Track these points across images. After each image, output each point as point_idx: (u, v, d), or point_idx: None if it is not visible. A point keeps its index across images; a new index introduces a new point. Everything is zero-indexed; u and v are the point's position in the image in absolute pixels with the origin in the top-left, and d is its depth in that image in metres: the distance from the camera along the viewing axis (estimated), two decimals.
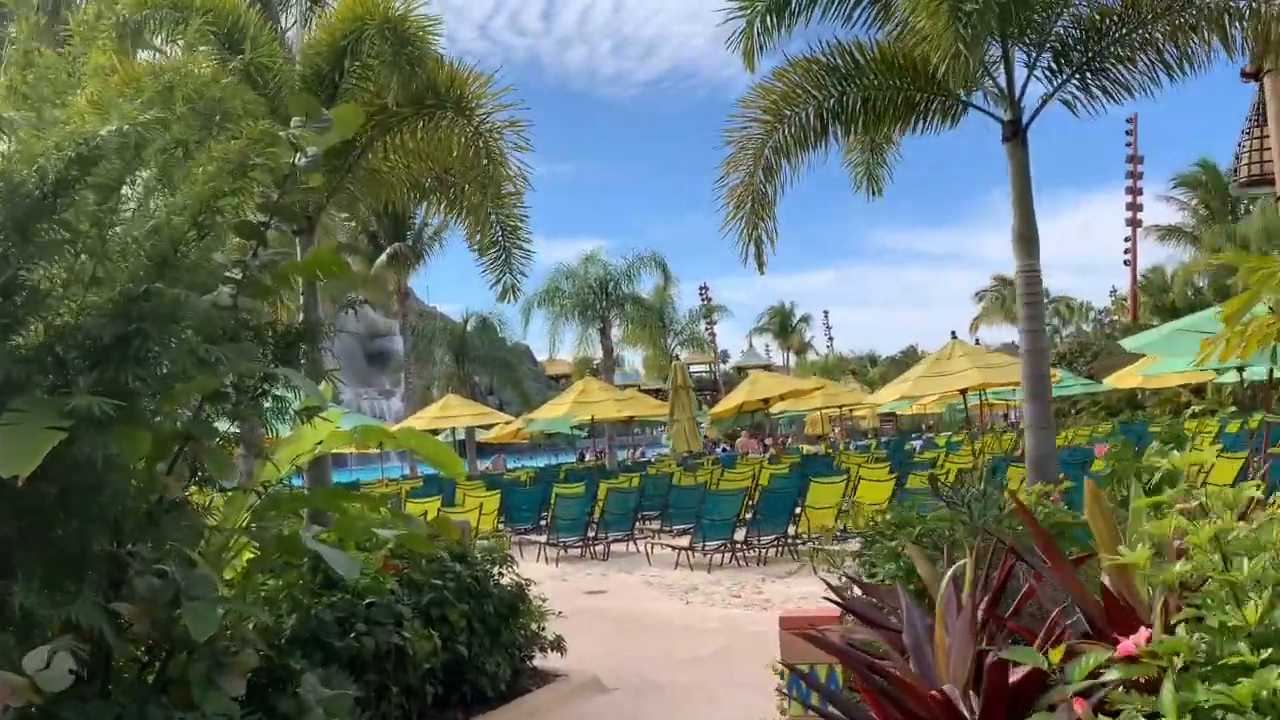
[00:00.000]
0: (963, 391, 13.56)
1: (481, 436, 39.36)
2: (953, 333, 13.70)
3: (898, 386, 13.32)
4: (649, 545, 14.12)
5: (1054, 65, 7.91)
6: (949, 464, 16.82)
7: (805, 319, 73.19)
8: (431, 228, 34.68)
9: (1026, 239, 8.26)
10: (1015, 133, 8.07)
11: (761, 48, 8.07)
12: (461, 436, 39.77)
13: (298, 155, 4.59)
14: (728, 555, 12.95)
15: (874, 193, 9.57)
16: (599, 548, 14.67)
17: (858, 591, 4.89)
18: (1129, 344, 12.15)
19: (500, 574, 6.69)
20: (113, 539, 4.36)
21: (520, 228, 7.32)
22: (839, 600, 3.43)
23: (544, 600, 7.24)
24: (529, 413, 20.71)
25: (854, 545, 11.34)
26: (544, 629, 7.05)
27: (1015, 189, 8.14)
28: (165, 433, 4.52)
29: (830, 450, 31.58)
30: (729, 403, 20.13)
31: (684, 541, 13.09)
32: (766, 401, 20.29)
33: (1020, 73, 7.95)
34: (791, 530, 13.26)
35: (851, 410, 33.78)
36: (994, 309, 57.13)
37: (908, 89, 7.76)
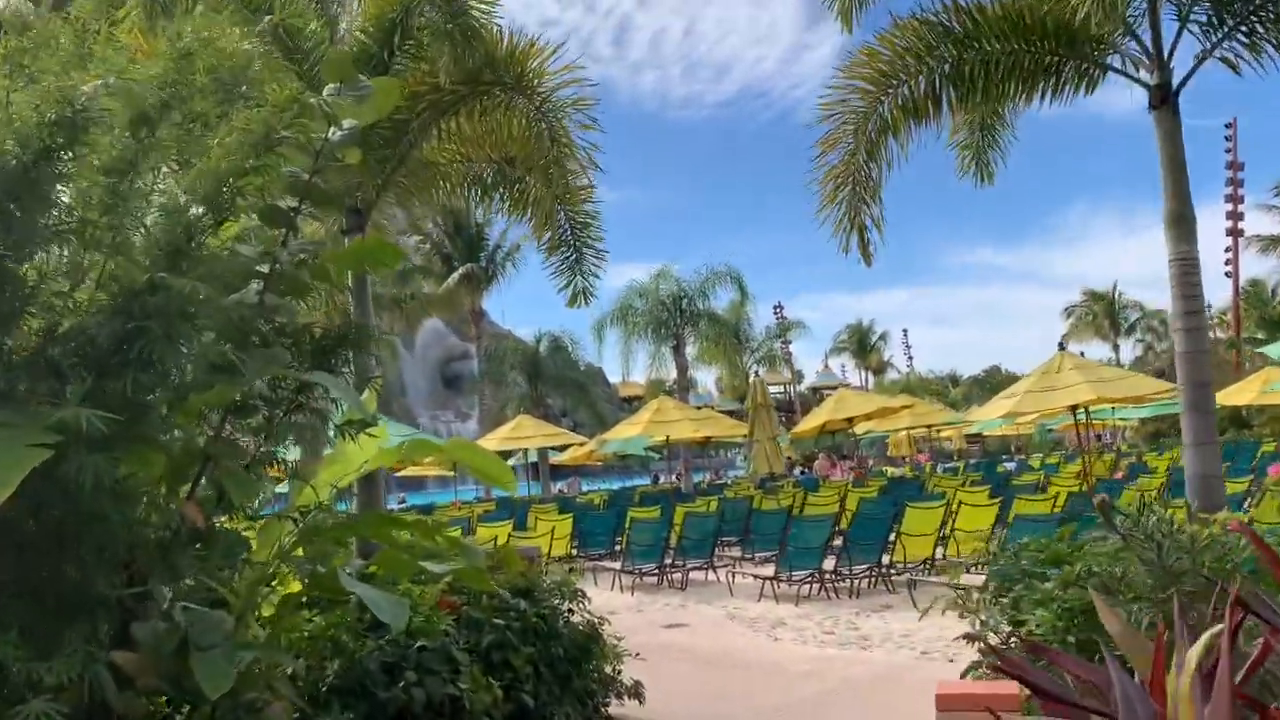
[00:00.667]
0: (1072, 409, 12.48)
1: (555, 459, 38.90)
2: (1060, 344, 12.59)
3: (1001, 403, 12.30)
4: (729, 574, 13.27)
5: (1213, 17, 6.86)
6: (1054, 487, 15.66)
7: (883, 337, 71.57)
8: (505, 249, 34.52)
9: (1181, 221, 7.16)
10: (1164, 99, 7.03)
11: (860, 4, 7.21)
12: (534, 459, 39.41)
13: (331, 129, 3.93)
14: (816, 586, 12.04)
15: (984, 178, 8.62)
16: (676, 576, 13.87)
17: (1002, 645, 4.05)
18: (1273, 350, 10.99)
19: (570, 611, 5.97)
20: (122, 577, 3.74)
21: (591, 224, 6.63)
22: (1015, 673, 2.59)
23: (620, 640, 6.48)
24: (603, 434, 20.03)
25: (973, 578, 10.40)
26: (619, 672, 6.29)
27: (1166, 164, 7.10)
28: (180, 451, 3.91)
29: (915, 473, 30.32)
30: (812, 421, 19.19)
31: (768, 571, 12.22)
32: (851, 421, 19.31)
33: (1169, 28, 6.93)
34: (885, 559, 12.29)
35: (939, 431, 32.44)
36: (1084, 325, 54.96)
37: (1037, 50, 6.82)
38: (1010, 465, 31.72)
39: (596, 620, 6.02)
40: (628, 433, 17.80)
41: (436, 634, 4.92)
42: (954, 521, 12.40)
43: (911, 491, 17.77)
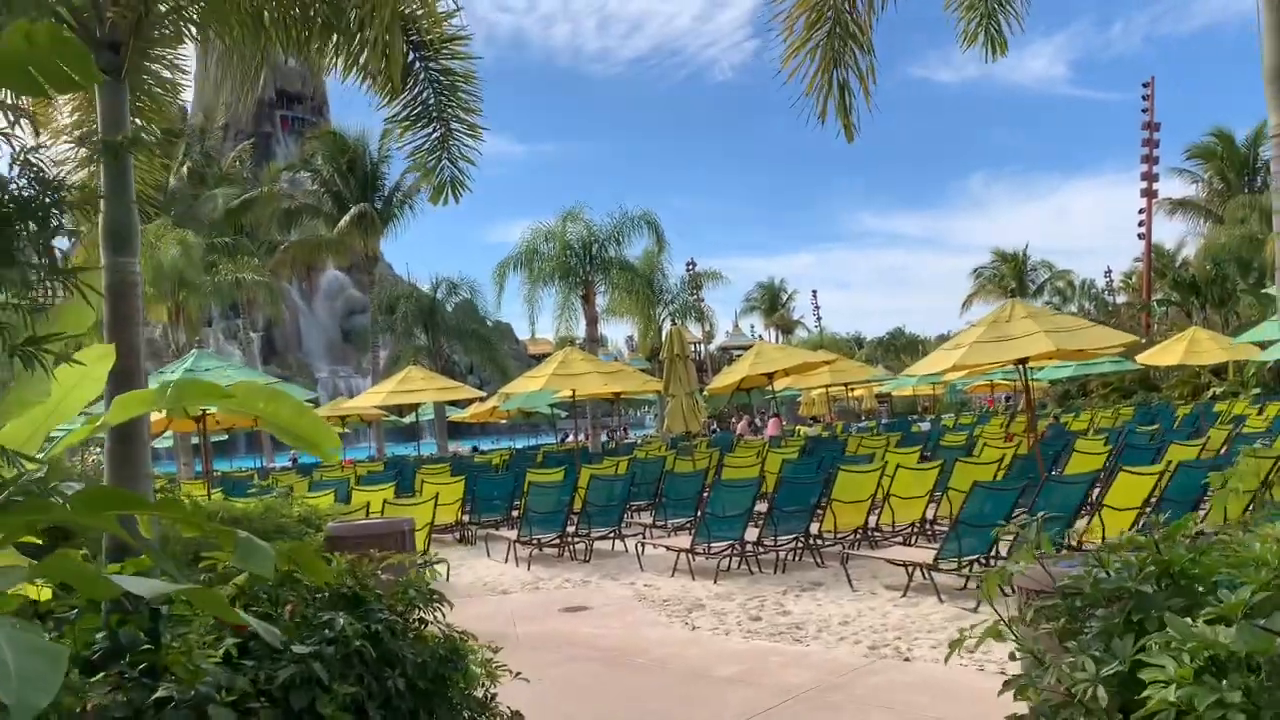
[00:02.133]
0: (1020, 362, 11.21)
1: (456, 416, 36.92)
2: (1011, 290, 11.30)
3: (945, 355, 10.94)
4: (639, 544, 11.75)
5: None
6: (989, 449, 14.52)
7: (793, 296, 70.91)
8: (403, 190, 32.11)
9: None
10: None
11: None
12: (430, 415, 37.31)
13: None
14: (737, 560, 10.59)
15: (995, 49, 7.03)
16: (581, 546, 12.31)
17: None
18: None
19: (422, 622, 4.30)
20: None
21: (462, 89, 4.87)
22: None
23: (495, 652, 4.83)
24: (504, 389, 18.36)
25: (911, 552, 8.99)
26: (494, 698, 4.66)
27: (1269, 10, 5.61)
28: None
29: (827, 432, 29.31)
30: (729, 377, 17.74)
31: (683, 541, 10.72)
32: (770, 376, 17.92)
33: None
34: (814, 528, 10.91)
35: (851, 390, 31.48)
36: (992, 286, 54.92)
37: None
38: (924, 426, 30.97)
39: (460, 636, 4.34)
40: (529, 386, 16.09)
41: (198, 673, 3.20)
42: (890, 486, 11.07)
43: (833, 453, 16.49)
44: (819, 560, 10.65)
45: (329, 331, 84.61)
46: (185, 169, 29.31)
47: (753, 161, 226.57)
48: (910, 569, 9.03)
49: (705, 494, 10.87)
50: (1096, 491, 9.49)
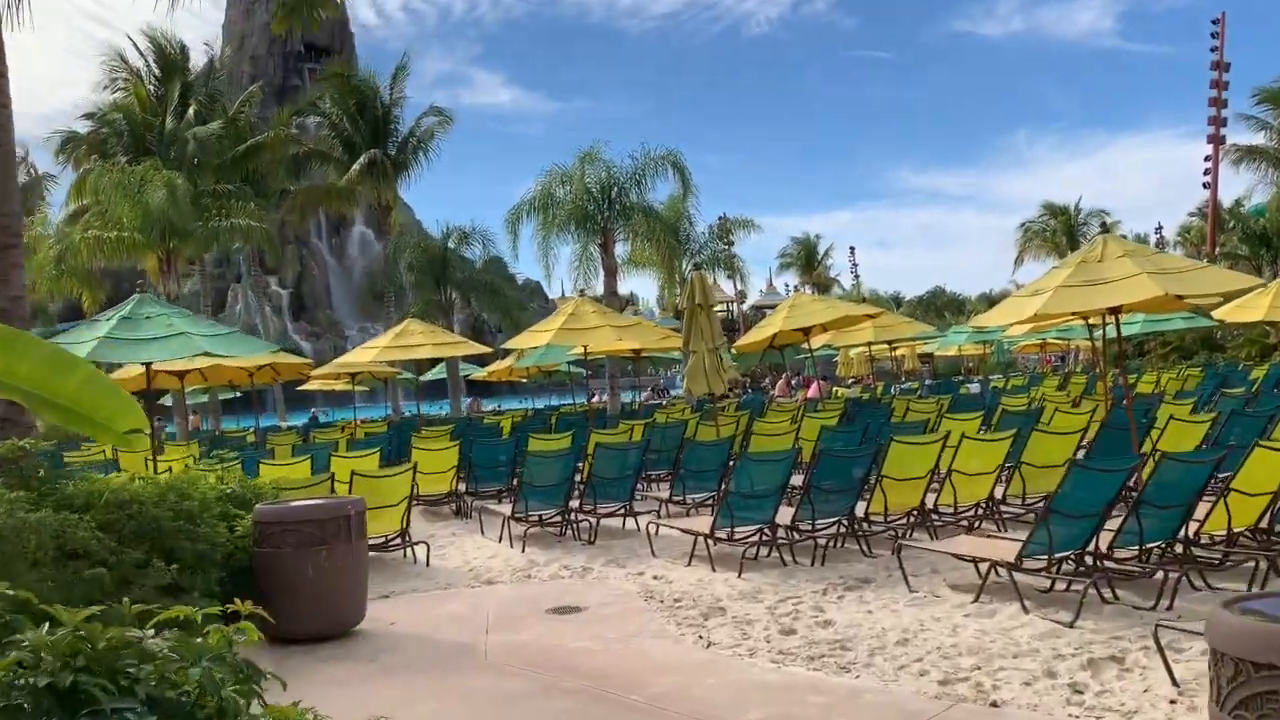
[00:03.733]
0: (1114, 311, 9.25)
1: (476, 374, 35.32)
2: (1103, 224, 9.42)
3: (1024, 302, 9.00)
4: (653, 524, 10.01)
5: None
6: (1061, 416, 12.61)
7: (829, 252, 68.50)
8: (418, 135, 30.28)
9: None
10: None
11: None
12: (441, 374, 35.71)
13: None
14: (766, 547, 8.83)
15: None
16: (586, 523, 10.60)
17: None
18: None
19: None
20: None
21: None
22: None
23: None
24: (508, 343, 16.60)
25: (963, 542, 7.20)
26: None
27: None
28: None
29: (867, 394, 27.41)
30: (761, 332, 15.89)
31: (702, 523, 8.97)
32: (806, 332, 16.05)
33: None
34: (859, 509, 9.11)
35: (893, 349, 29.49)
36: (1042, 242, 52.25)
37: None
38: (972, 388, 28.90)
39: None
40: (535, 341, 14.37)
41: None
42: (953, 459, 9.24)
43: (878, 418, 14.64)
44: (866, 549, 8.86)
45: (359, 287, 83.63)
46: (191, 112, 27.69)
47: (789, 118, 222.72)
48: (984, 566, 7.23)
49: (731, 465, 9.08)
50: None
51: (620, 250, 23.58)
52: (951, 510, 9.49)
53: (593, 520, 10.61)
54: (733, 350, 17.10)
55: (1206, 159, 38.92)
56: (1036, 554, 6.84)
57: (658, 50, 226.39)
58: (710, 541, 8.84)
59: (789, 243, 65.47)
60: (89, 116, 27.42)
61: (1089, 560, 7.08)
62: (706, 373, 11.64)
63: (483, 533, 11.33)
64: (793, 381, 32.95)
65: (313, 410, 43.67)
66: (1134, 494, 7.25)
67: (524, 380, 35.73)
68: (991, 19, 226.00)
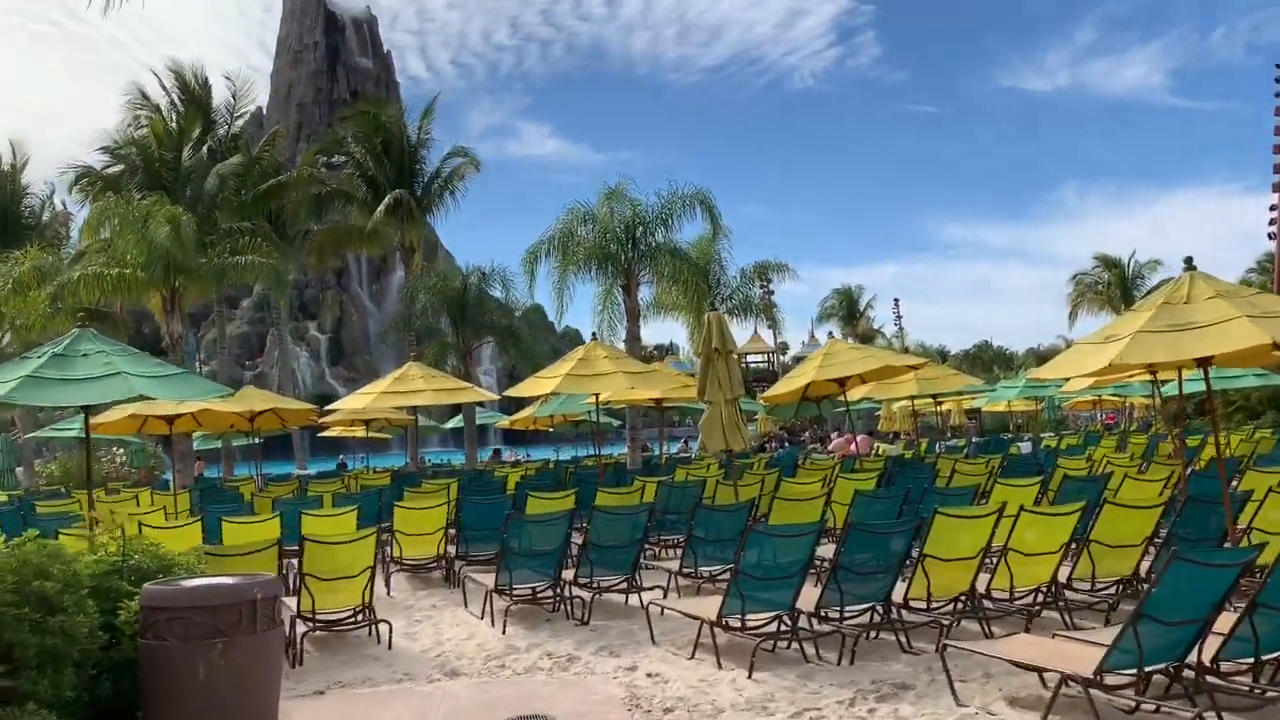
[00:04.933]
0: (1203, 363, 7.78)
1: (501, 422, 34.09)
2: (1187, 259, 8.01)
3: (1095, 350, 7.53)
4: (655, 603, 8.58)
5: None
6: (1130, 483, 11.08)
7: (872, 303, 66.78)
8: (447, 172, 29.37)
9: None
10: None
11: None
12: (491, 418, 34.49)
13: None
14: (786, 638, 7.37)
15: None
16: (583, 597, 9.20)
17: None
18: None
19: None
20: None
21: None
22: None
23: None
24: (511, 390, 15.31)
25: (1024, 645, 5.78)
26: None
27: None
28: None
29: (910, 451, 25.76)
30: (793, 382, 14.50)
31: (708, 607, 7.54)
32: (842, 383, 14.62)
33: None
34: (897, 594, 7.65)
35: (939, 404, 27.83)
36: (1094, 296, 50.32)
37: None
38: (1024, 447, 27.13)
39: None
40: (539, 388, 13.10)
41: None
42: (1009, 536, 7.76)
43: (920, 480, 13.13)
44: (905, 643, 7.38)
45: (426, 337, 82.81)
46: (205, 148, 27.07)
47: (834, 170, 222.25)
48: (1052, 677, 5.75)
49: (743, 544, 7.65)
50: None
51: (646, 294, 22.34)
52: (1007, 595, 7.99)
53: (591, 594, 9.24)
54: (760, 400, 15.68)
55: (1272, 209, 37.05)
56: (1122, 667, 5.36)
57: (702, 103, 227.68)
58: (719, 628, 7.42)
59: (830, 293, 63.85)
60: (105, 150, 26.96)
61: (1188, 675, 5.58)
62: (724, 426, 10.25)
63: (466, 605, 9.99)
64: (848, 437, 31.23)
65: (340, 457, 42.72)
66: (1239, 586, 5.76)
67: (550, 430, 34.48)
68: (1039, 74, 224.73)
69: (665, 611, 8.48)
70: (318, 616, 8.30)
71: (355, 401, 14.87)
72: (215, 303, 29.12)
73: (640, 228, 20.82)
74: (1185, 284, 7.62)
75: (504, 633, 8.67)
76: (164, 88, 28.16)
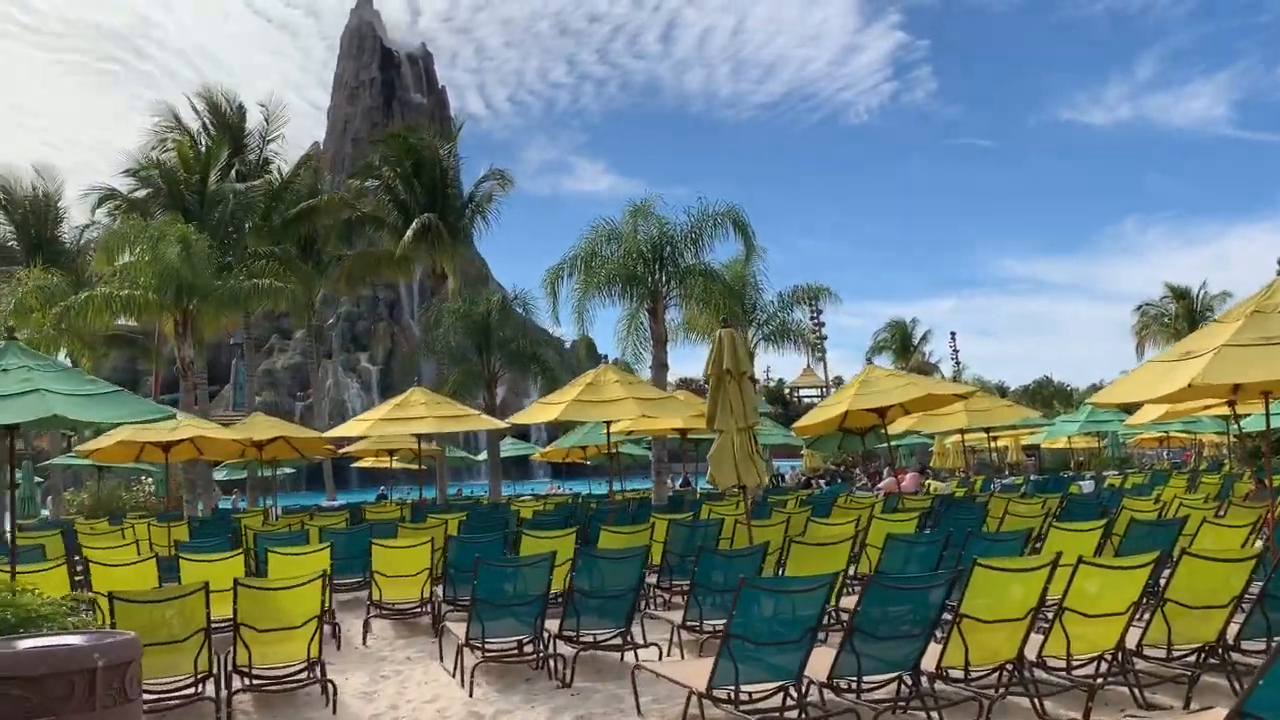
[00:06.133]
0: None
1: (536, 455, 33.02)
2: (1179, 332, 6.82)
3: (1166, 371, 6.19)
4: (641, 666, 7.34)
5: None
6: (1208, 529, 9.62)
7: (926, 337, 64.86)
8: (479, 195, 28.57)
9: None
10: None
11: None
12: (521, 450, 33.43)
13: None
14: (794, 710, 6.10)
15: None
16: (567, 654, 8.00)
17: None
18: None
19: None
20: None
21: None
22: None
23: None
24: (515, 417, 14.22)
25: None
26: None
27: None
28: None
29: (963, 489, 24.15)
30: (826, 411, 13.24)
31: (698, 675, 6.27)
32: (882, 414, 13.31)
33: None
34: (928, 661, 6.33)
35: (994, 439, 26.23)
36: (1159, 328, 48.13)
37: None
38: (1085, 486, 25.30)
39: None
40: (544, 414, 11.98)
41: None
42: (1065, 592, 6.41)
43: (968, 521, 11.73)
44: None
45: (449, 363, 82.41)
46: (234, 173, 26.59)
47: (890, 205, 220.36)
48: None
49: (737, 599, 6.38)
50: None
51: (675, 317, 21.14)
52: (1064, 664, 6.63)
53: (575, 650, 8.03)
54: (791, 430, 14.39)
55: None
56: None
57: (756, 139, 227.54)
58: (709, 701, 6.17)
59: (883, 325, 62.11)
60: (129, 173, 26.57)
61: None
62: (736, 458, 9.00)
63: (442, 658, 8.83)
64: (899, 472, 29.67)
65: (381, 488, 41.93)
66: None
67: (587, 461, 33.35)
68: (1098, 106, 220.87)
69: (658, 681, 7.24)
70: (254, 672, 7.22)
71: (354, 428, 13.91)
72: (244, 328, 28.52)
73: (668, 247, 19.69)
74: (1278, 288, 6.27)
75: (471, 695, 7.50)
76: (195, 111, 27.82)
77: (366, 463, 33.08)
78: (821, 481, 38.59)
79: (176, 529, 14.90)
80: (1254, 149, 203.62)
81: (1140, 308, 49.20)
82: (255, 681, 7.27)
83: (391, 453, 24.44)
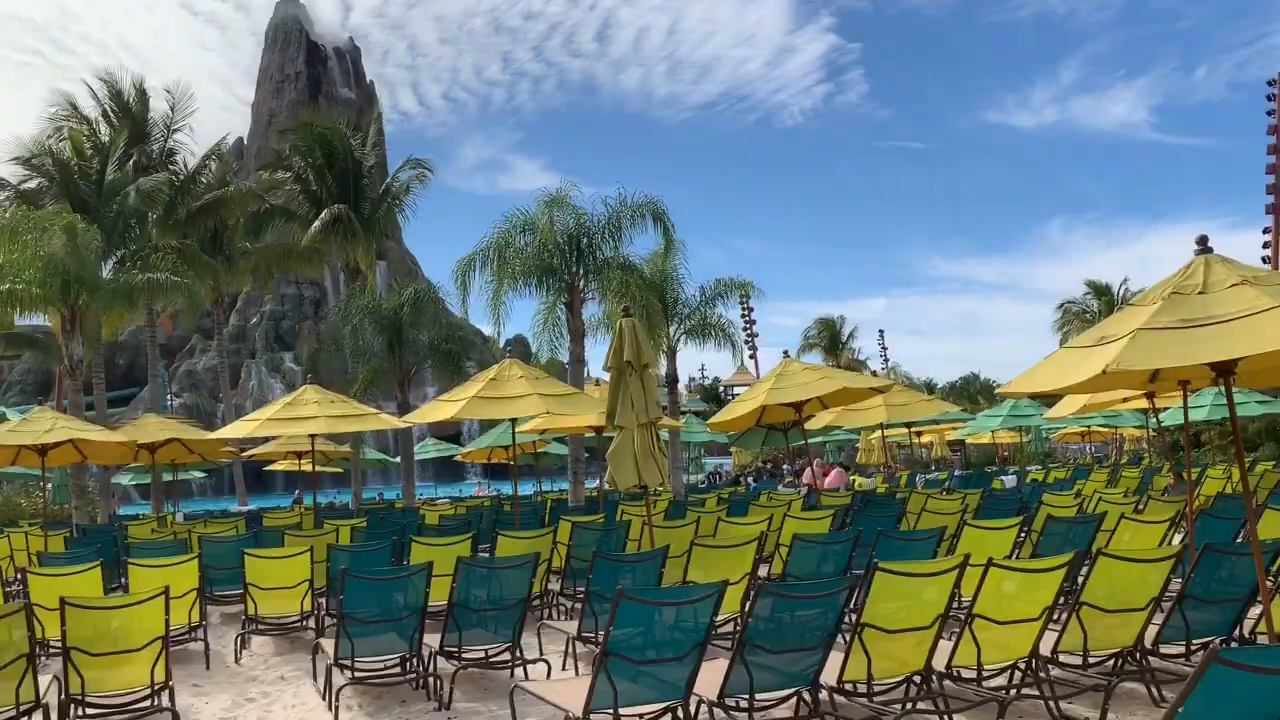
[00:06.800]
0: (1223, 372, 6.05)
1: (460, 454, 32.07)
2: (1201, 239, 6.42)
3: (1080, 357, 5.76)
4: (520, 686, 6.73)
5: None
6: (1127, 521, 9.32)
7: (854, 333, 65.20)
8: (394, 189, 27.56)
9: None
10: None
11: None
12: (427, 452, 32.45)
13: None
14: None
15: None
16: (448, 671, 7.35)
17: None
18: None
19: None
20: None
21: None
22: None
23: None
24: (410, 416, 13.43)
25: None
26: None
27: None
28: None
29: (887, 485, 23.96)
30: (742, 406, 12.75)
31: (573, 699, 5.67)
32: (799, 408, 12.86)
33: None
34: (829, 675, 5.81)
35: (917, 435, 26.05)
36: (1082, 324, 48.75)
37: None
38: (1008, 480, 25.28)
39: None
40: (440, 413, 11.24)
41: None
42: (975, 597, 5.95)
43: (885, 518, 11.34)
44: None
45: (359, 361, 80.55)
46: (132, 163, 25.29)
47: (823, 206, 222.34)
48: None
49: (616, 604, 5.80)
50: None
51: (594, 311, 20.51)
52: (974, 674, 6.18)
53: (455, 667, 7.39)
54: (707, 426, 13.86)
55: (1266, 230, 35.57)
56: None
57: (692, 139, 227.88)
58: None
59: (811, 323, 62.20)
60: (18, 161, 25.07)
61: None
62: (636, 457, 8.41)
63: (315, 679, 8.11)
64: (822, 467, 29.37)
65: (297, 490, 40.56)
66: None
67: (508, 462, 32.54)
68: (1024, 109, 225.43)
69: (540, 694, 6.61)
70: (88, 699, 6.45)
71: (241, 428, 13.01)
72: (149, 326, 27.16)
73: (585, 239, 19.04)
74: (1200, 269, 5.86)
75: (338, 718, 6.81)
76: (96, 98, 26.43)
77: (279, 466, 31.92)
78: (750, 479, 38.34)
79: (54, 539, 13.90)
80: (1172, 152, 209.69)
81: (1062, 305, 49.87)
82: (89, 712, 6.50)
83: (300, 455, 23.38)
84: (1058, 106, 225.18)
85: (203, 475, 38.20)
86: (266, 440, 22.05)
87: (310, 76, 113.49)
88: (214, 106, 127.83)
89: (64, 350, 19.27)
